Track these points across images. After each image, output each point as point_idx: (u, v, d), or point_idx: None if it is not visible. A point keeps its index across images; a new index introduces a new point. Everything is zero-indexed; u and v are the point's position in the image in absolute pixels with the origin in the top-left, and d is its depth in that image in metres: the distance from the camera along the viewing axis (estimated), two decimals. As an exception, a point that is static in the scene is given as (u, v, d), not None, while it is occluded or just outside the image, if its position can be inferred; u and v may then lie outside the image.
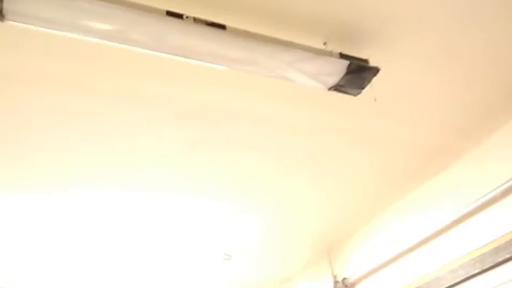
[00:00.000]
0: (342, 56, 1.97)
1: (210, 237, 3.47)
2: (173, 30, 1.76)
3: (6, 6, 1.55)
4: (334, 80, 1.98)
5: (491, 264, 2.55)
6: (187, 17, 1.77)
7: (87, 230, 3.21)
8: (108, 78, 2.10)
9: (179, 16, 1.75)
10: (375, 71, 2.00)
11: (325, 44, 2.01)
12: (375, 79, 2.03)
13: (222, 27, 1.82)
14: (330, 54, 1.96)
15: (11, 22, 1.61)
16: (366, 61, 2.02)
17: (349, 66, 1.93)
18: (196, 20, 1.78)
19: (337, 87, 2.01)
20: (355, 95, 2.09)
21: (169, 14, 1.73)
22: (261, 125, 2.44)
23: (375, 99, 2.06)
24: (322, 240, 3.68)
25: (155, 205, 3.01)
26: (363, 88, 2.05)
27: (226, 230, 3.40)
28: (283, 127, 2.47)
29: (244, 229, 3.43)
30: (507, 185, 2.52)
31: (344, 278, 3.57)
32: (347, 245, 3.67)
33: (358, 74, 1.98)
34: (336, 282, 3.64)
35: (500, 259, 2.51)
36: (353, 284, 3.52)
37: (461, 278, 2.70)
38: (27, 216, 2.97)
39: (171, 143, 2.49)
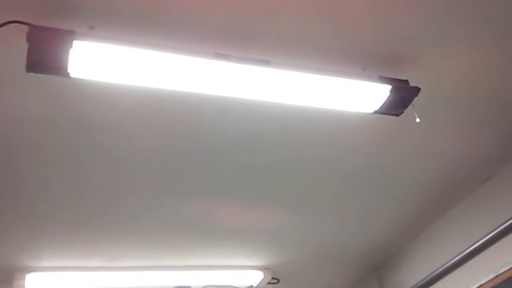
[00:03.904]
0: (382, 79, 2.04)
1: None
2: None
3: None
4: (377, 103, 2.04)
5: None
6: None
7: None
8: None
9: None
10: (416, 91, 2.06)
11: (363, 69, 2.08)
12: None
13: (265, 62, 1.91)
14: (370, 78, 2.03)
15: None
16: (407, 82, 2.08)
17: (391, 89, 1.99)
18: (241, 59, 1.88)
19: (381, 110, 2.07)
20: (397, 115, 2.15)
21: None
22: (315, 147, 2.53)
23: (418, 119, 2.10)
24: (370, 258, 3.70)
25: None
26: (405, 108, 2.11)
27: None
28: (333, 147, 2.55)
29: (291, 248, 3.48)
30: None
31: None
32: (396, 262, 3.66)
33: (399, 95, 2.03)
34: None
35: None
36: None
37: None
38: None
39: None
